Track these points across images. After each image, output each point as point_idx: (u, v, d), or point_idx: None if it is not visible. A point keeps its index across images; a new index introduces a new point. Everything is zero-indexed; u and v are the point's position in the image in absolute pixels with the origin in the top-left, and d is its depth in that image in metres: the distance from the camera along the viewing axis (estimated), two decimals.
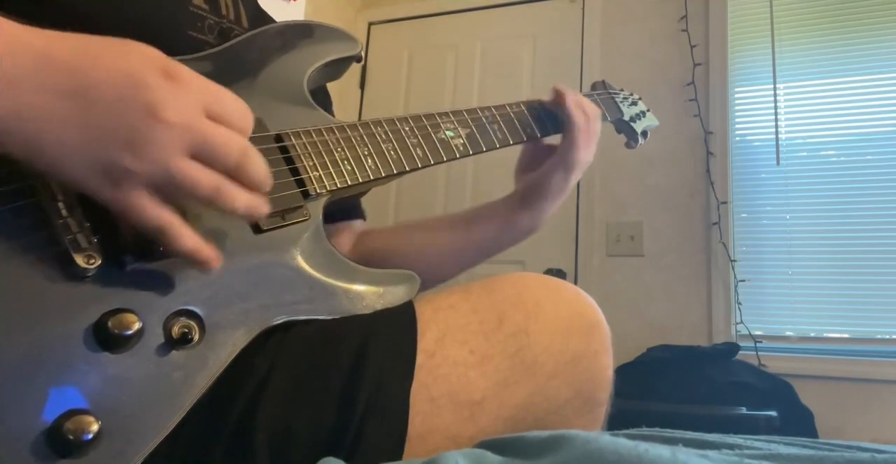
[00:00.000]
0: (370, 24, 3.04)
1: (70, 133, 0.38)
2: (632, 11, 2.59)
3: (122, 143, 0.38)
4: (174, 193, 0.41)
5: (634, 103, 0.96)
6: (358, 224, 0.81)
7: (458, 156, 0.67)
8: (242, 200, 0.43)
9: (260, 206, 0.45)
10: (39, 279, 0.40)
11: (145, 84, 0.39)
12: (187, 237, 0.42)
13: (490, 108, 0.74)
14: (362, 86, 2.98)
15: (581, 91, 0.87)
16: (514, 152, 0.81)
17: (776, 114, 2.31)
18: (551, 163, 0.76)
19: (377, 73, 2.97)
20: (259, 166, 0.44)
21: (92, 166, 0.38)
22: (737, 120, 2.41)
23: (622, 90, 0.96)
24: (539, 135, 0.77)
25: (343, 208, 0.77)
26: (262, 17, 0.74)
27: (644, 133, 0.96)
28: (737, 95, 2.42)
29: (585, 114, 0.76)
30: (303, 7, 2.43)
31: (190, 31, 0.59)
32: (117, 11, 0.54)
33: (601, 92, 0.91)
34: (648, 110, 0.98)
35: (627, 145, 0.96)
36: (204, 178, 0.41)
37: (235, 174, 0.43)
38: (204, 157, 0.41)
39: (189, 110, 0.40)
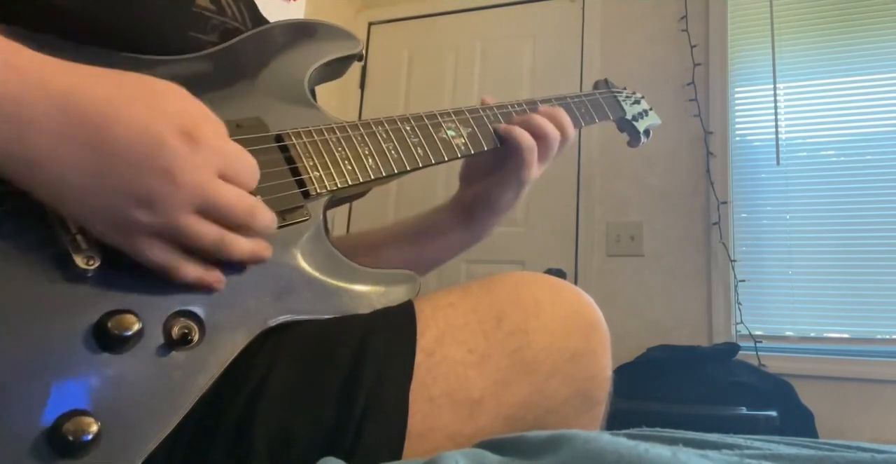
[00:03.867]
0: (370, 24, 3.04)
1: (86, 183, 0.39)
2: (632, 11, 2.59)
3: (137, 200, 0.40)
4: (177, 242, 0.42)
5: (637, 102, 0.95)
6: None
7: (459, 155, 0.67)
8: (245, 249, 0.45)
9: (263, 250, 0.47)
10: (39, 280, 0.40)
11: (166, 146, 0.40)
12: (191, 272, 0.44)
13: (492, 106, 0.73)
14: (362, 86, 2.98)
15: (581, 91, 0.86)
16: None
17: (776, 114, 2.31)
18: (500, 178, 0.72)
19: (377, 73, 2.98)
20: (266, 218, 0.46)
21: (104, 215, 0.40)
22: (737, 120, 2.41)
23: (625, 89, 0.96)
24: None
25: None
26: (260, 17, 0.74)
27: (647, 132, 0.96)
28: (737, 95, 2.42)
29: (541, 133, 0.72)
30: (303, 7, 2.43)
31: (192, 31, 0.59)
32: (120, 13, 0.54)
33: (603, 91, 0.91)
34: (651, 109, 0.98)
35: (630, 144, 0.96)
36: (208, 231, 0.43)
37: (244, 230, 0.45)
38: (212, 215, 0.43)
39: (204, 173, 0.42)
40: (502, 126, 0.71)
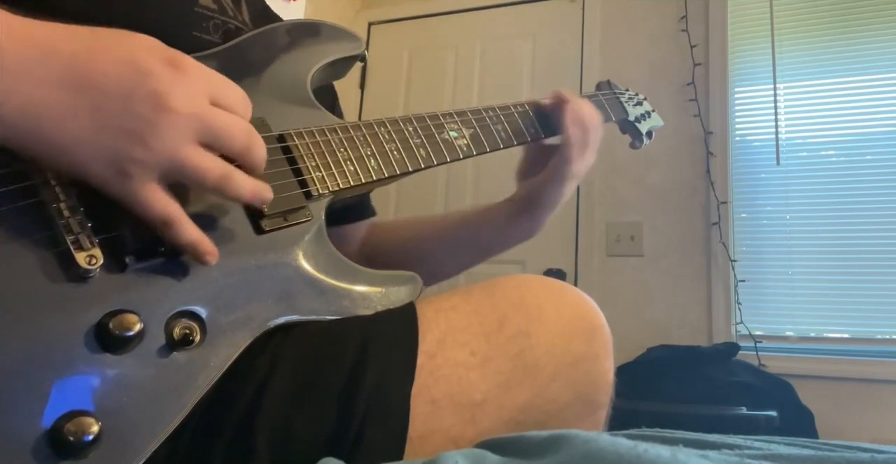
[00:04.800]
0: (370, 24, 3.04)
1: (77, 125, 0.38)
2: (632, 11, 2.59)
3: (131, 133, 0.38)
4: (183, 181, 0.41)
5: (640, 103, 0.95)
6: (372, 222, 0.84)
7: (461, 156, 0.67)
8: (249, 186, 0.44)
9: (265, 191, 0.46)
10: (41, 280, 0.40)
11: (151, 73, 0.39)
12: (190, 230, 0.42)
13: (494, 107, 0.73)
14: (362, 86, 2.98)
15: (583, 92, 0.86)
16: (515, 152, 0.81)
17: (776, 114, 2.31)
18: (547, 174, 0.75)
19: (377, 73, 2.97)
20: (262, 149, 0.45)
21: (101, 158, 0.38)
22: (737, 120, 2.41)
23: (627, 90, 0.95)
24: (543, 135, 0.77)
25: (355, 208, 0.78)
26: (266, 16, 0.74)
27: (649, 133, 0.96)
28: (737, 95, 2.42)
29: (583, 127, 0.75)
30: (303, 7, 2.43)
31: (195, 31, 0.59)
32: (121, 13, 0.54)
33: (606, 92, 0.90)
34: (654, 111, 0.98)
35: (632, 146, 0.96)
36: (213, 165, 0.42)
37: (242, 157, 0.44)
38: (212, 143, 0.42)
39: (195, 98, 0.41)
40: (557, 107, 0.73)
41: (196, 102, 0.40)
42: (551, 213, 0.78)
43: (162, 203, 0.41)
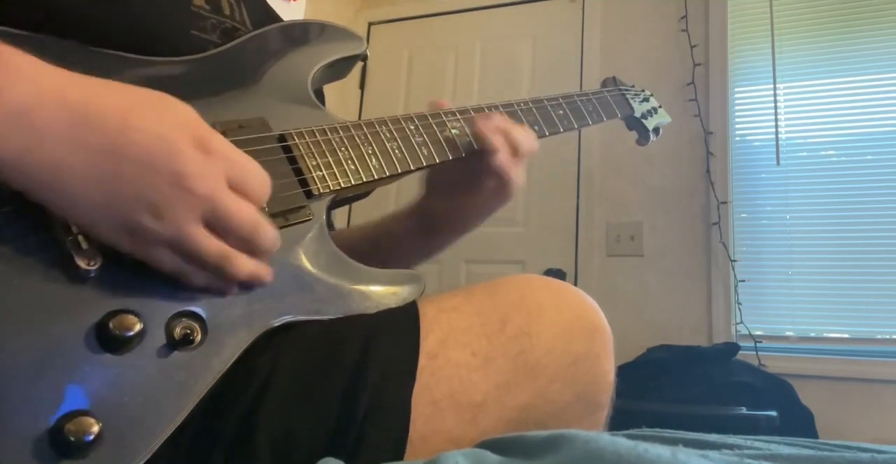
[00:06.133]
0: (370, 24, 3.04)
1: (97, 189, 0.39)
2: (632, 11, 2.59)
3: (146, 205, 0.40)
4: (187, 257, 0.43)
5: (646, 100, 0.95)
6: None
7: (463, 155, 0.66)
8: (247, 269, 0.45)
9: (263, 273, 0.47)
10: (41, 281, 0.40)
11: (178, 152, 0.41)
12: (201, 278, 0.44)
13: (497, 105, 0.73)
14: (362, 86, 2.98)
15: (582, 89, 0.86)
16: None
17: (776, 114, 2.31)
18: (476, 192, 0.67)
19: (377, 73, 2.97)
20: (269, 237, 0.46)
21: (114, 222, 0.40)
22: (737, 120, 2.41)
23: (633, 86, 0.95)
24: (547, 133, 0.76)
25: None
26: (267, 16, 0.74)
27: (656, 130, 0.95)
28: (737, 95, 2.43)
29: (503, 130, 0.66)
30: (303, 7, 2.44)
31: (193, 30, 0.59)
32: (120, 13, 0.54)
33: (611, 89, 0.90)
34: (660, 107, 0.97)
35: (638, 142, 0.95)
36: (212, 247, 0.43)
37: (247, 243, 0.44)
38: (216, 225, 0.43)
39: (213, 182, 0.42)
40: (477, 128, 0.65)
41: (212, 186, 0.42)
42: (460, 236, 0.73)
43: (172, 263, 0.42)
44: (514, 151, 0.66)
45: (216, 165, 0.42)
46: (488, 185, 0.67)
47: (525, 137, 0.67)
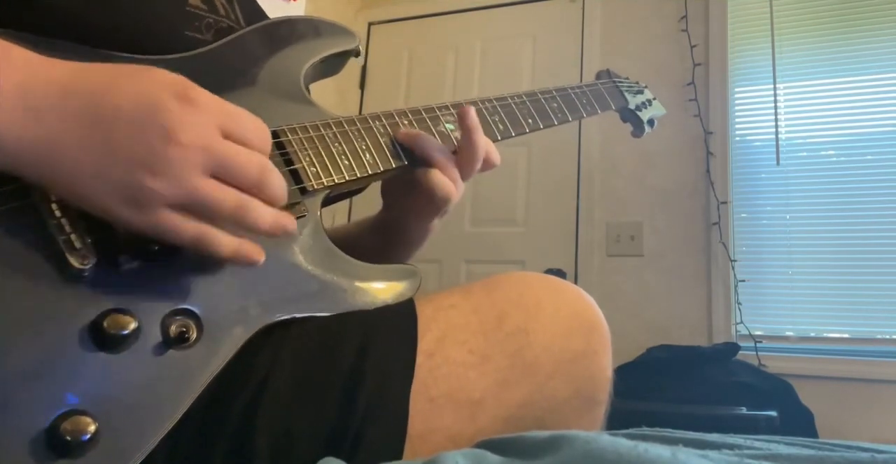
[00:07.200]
0: (370, 24, 3.04)
1: (91, 159, 0.39)
2: (632, 11, 2.59)
3: (141, 164, 0.39)
4: (198, 213, 0.42)
5: (640, 92, 0.94)
6: None
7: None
8: (269, 216, 0.44)
9: (286, 220, 0.45)
10: (35, 280, 0.39)
11: (162, 107, 0.40)
12: (225, 243, 0.43)
13: (491, 99, 0.73)
14: (362, 86, 2.98)
15: (581, 82, 0.86)
16: (514, 144, 0.79)
17: (776, 114, 2.31)
18: (416, 202, 0.63)
19: (377, 73, 2.97)
20: (278, 183, 0.45)
21: (114, 190, 0.39)
22: (737, 120, 2.41)
23: (627, 78, 0.95)
24: (541, 126, 0.76)
25: None
26: (258, 14, 0.74)
27: (651, 122, 0.94)
28: (737, 95, 2.42)
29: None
30: (302, 7, 2.43)
31: (187, 30, 0.59)
32: (114, 13, 0.54)
33: (605, 81, 0.90)
34: (655, 99, 0.97)
35: (633, 134, 0.95)
36: (226, 195, 0.42)
37: (256, 191, 0.43)
38: (223, 176, 0.42)
39: (204, 131, 0.41)
40: (402, 134, 0.61)
41: (204, 136, 0.41)
42: (414, 251, 0.71)
43: (192, 228, 0.41)
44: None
45: (205, 116, 0.42)
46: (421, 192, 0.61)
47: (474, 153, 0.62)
